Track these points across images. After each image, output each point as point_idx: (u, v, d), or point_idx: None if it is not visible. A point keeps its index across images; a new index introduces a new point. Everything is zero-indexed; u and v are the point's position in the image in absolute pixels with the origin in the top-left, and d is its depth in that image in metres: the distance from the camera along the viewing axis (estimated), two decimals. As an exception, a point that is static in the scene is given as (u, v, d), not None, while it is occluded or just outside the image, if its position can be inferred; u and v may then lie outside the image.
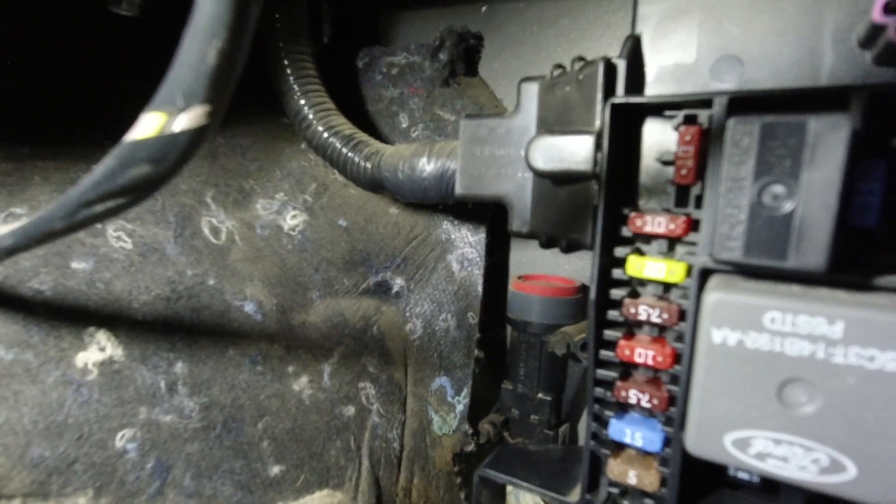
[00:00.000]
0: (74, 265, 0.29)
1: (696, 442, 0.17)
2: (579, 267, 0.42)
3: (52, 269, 0.29)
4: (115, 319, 0.29)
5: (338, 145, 0.37)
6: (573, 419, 0.41)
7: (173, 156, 0.15)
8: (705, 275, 0.19)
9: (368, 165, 0.36)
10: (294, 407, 0.34)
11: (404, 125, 0.44)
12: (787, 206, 0.15)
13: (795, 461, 0.16)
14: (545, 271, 0.43)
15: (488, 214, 0.41)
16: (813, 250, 0.15)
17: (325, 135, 0.37)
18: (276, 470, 0.31)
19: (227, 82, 0.13)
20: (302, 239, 0.38)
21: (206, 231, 0.34)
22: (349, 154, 0.37)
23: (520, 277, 0.41)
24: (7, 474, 0.24)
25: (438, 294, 0.41)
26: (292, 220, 0.38)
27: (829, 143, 0.14)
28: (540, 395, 0.39)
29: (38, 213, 0.17)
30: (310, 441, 0.33)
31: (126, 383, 0.28)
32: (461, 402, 0.40)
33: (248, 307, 0.34)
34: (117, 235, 0.31)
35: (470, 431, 0.39)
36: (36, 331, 0.27)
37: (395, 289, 0.40)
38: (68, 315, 0.28)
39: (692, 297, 0.20)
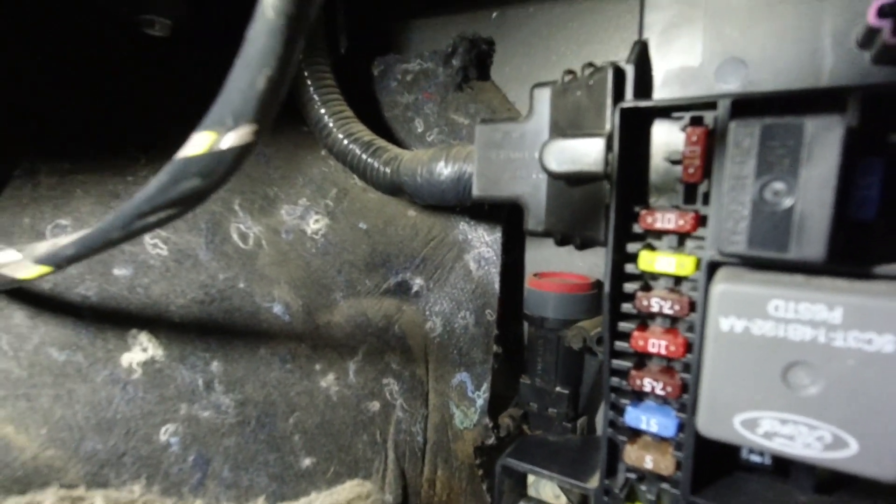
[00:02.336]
0: (116, 272, 0.31)
1: (707, 424, 0.18)
2: (593, 263, 0.43)
3: (96, 276, 0.31)
4: (155, 322, 0.31)
5: (357, 151, 0.38)
6: (590, 411, 0.42)
7: (221, 170, 0.17)
8: (713, 267, 0.20)
9: (388, 170, 0.37)
10: (322, 403, 0.35)
11: (420, 130, 0.45)
12: (787, 202, 0.16)
13: (801, 439, 0.17)
14: (560, 269, 0.44)
15: (503, 215, 0.42)
16: (812, 242, 0.16)
17: (346, 142, 0.39)
18: (307, 462, 0.33)
19: (273, 105, 0.14)
20: (324, 242, 0.39)
21: (235, 237, 0.36)
22: (369, 160, 0.38)
23: (535, 275, 0.42)
24: (64, 466, 0.26)
25: (457, 293, 0.42)
26: (315, 224, 0.40)
27: (824, 143, 0.15)
28: (558, 389, 0.40)
29: (96, 224, 0.19)
30: (338, 435, 0.35)
31: (167, 381, 0.30)
32: (481, 397, 0.41)
33: (277, 308, 0.36)
34: (153, 243, 0.33)
35: (490, 425, 0.40)
36: (84, 333, 0.29)
37: (415, 288, 0.42)
38: (112, 318, 0.30)
39: (701, 289, 0.21)
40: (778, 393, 0.17)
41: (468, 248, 0.43)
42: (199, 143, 0.16)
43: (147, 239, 0.33)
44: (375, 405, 0.37)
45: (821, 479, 0.22)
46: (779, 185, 0.16)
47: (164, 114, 0.37)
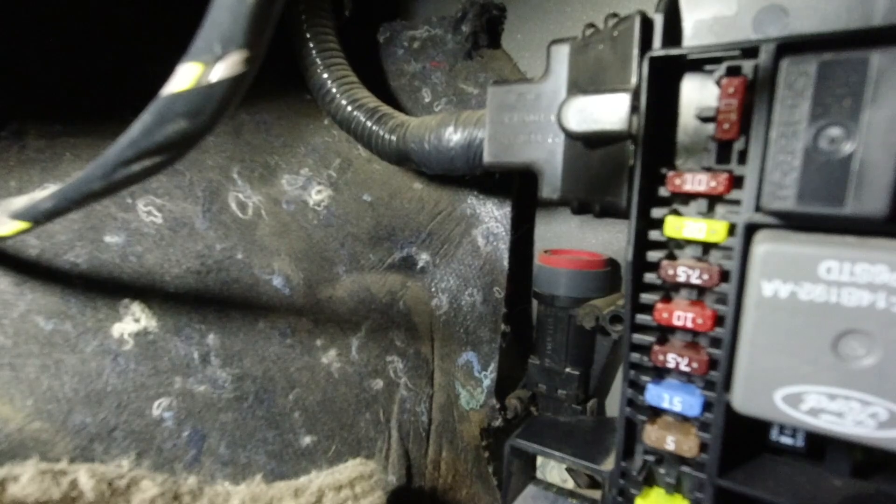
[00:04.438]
0: (107, 239, 0.30)
1: (744, 399, 0.17)
2: (606, 240, 0.41)
3: (87, 243, 0.29)
4: (149, 292, 0.30)
5: (362, 118, 0.37)
6: (601, 394, 0.41)
7: (210, 108, 0.15)
8: (751, 230, 0.18)
9: (393, 138, 0.35)
10: (323, 379, 0.34)
11: (427, 100, 0.43)
12: (846, 149, 0.14)
13: (852, 416, 0.15)
14: (571, 245, 0.42)
15: (514, 188, 0.41)
16: (873, 195, 0.14)
17: (349, 108, 0.37)
18: (307, 440, 0.32)
19: (267, 23, 0.13)
20: (327, 214, 0.38)
21: (234, 206, 0.34)
22: (373, 127, 0.36)
23: (546, 251, 0.41)
24: (51, 439, 0.25)
25: (464, 269, 0.41)
26: (317, 195, 0.38)
27: (892, 79, 0.14)
28: (568, 370, 0.39)
29: (76, 174, 0.18)
30: (340, 413, 0.34)
31: (161, 354, 0.29)
32: (488, 377, 0.40)
33: (276, 281, 0.34)
34: (147, 210, 0.31)
35: (497, 406, 0.39)
36: (73, 302, 0.28)
37: (421, 264, 0.40)
38: (103, 287, 0.29)
39: (737, 255, 0.19)
40: (827, 365, 0.15)
41: (476, 223, 0.41)
42: (184, 77, 0.15)
43: (140, 206, 0.32)
44: (379, 383, 0.36)
45: (857, 463, 0.21)
46: (836, 131, 0.14)
47: (158, 75, 0.35)
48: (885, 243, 0.15)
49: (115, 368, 0.27)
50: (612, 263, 0.39)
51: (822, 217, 0.15)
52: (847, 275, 0.15)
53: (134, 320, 0.29)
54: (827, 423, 0.16)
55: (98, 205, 0.30)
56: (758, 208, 0.19)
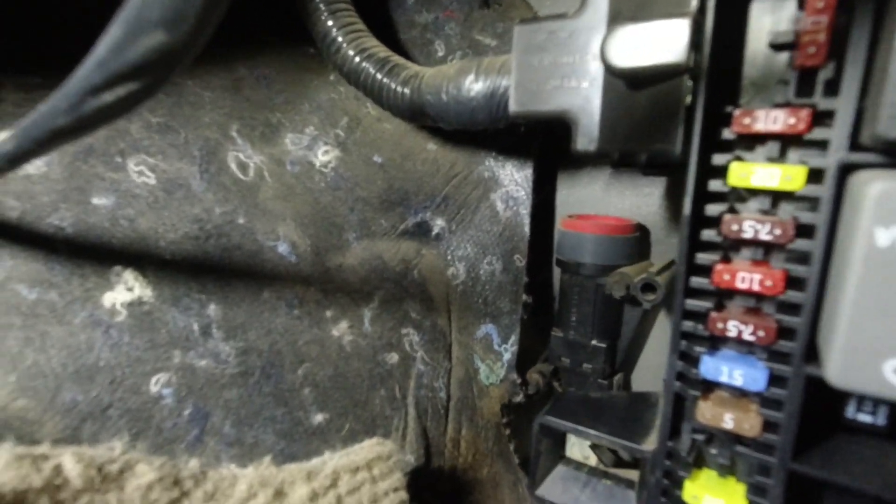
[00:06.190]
0: (95, 201, 0.27)
1: (844, 372, 0.14)
2: (634, 204, 0.38)
3: (72, 205, 0.26)
4: (142, 258, 0.27)
5: (371, 70, 0.33)
6: (627, 368, 0.38)
7: (192, 12, 0.12)
8: (845, 172, 0.15)
9: (407, 91, 0.32)
10: (335, 353, 0.31)
11: (440, 53, 0.40)
12: None
13: None
14: (596, 210, 0.39)
15: (535, 149, 0.37)
16: None
17: (357, 59, 0.33)
18: (319, 418, 0.30)
19: None
20: (335, 176, 0.35)
21: (234, 167, 0.32)
22: (384, 79, 0.33)
23: (570, 216, 0.38)
24: (39, 419, 0.22)
25: (482, 236, 0.38)
26: (324, 156, 0.35)
27: None
28: (594, 342, 0.36)
29: (36, 108, 0.15)
30: (353, 389, 0.31)
31: (157, 325, 0.26)
32: (508, 351, 0.37)
33: (282, 248, 0.31)
34: (139, 170, 0.29)
35: (518, 381, 0.37)
36: (59, 269, 0.25)
37: (436, 230, 0.37)
38: (92, 253, 0.26)
39: (826, 202, 0.16)
40: (958, 328, 0.12)
41: (495, 187, 0.38)
42: (159, -28, 0.11)
43: (131, 165, 0.29)
44: (394, 357, 0.34)
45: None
46: None
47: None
48: None
49: (107, 341, 0.25)
50: (640, 229, 0.36)
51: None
52: None
53: (127, 289, 0.26)
54: (952, 400, 0.13)
55: (83, 164, 0.28)
56: (853, 146, 0.16)
